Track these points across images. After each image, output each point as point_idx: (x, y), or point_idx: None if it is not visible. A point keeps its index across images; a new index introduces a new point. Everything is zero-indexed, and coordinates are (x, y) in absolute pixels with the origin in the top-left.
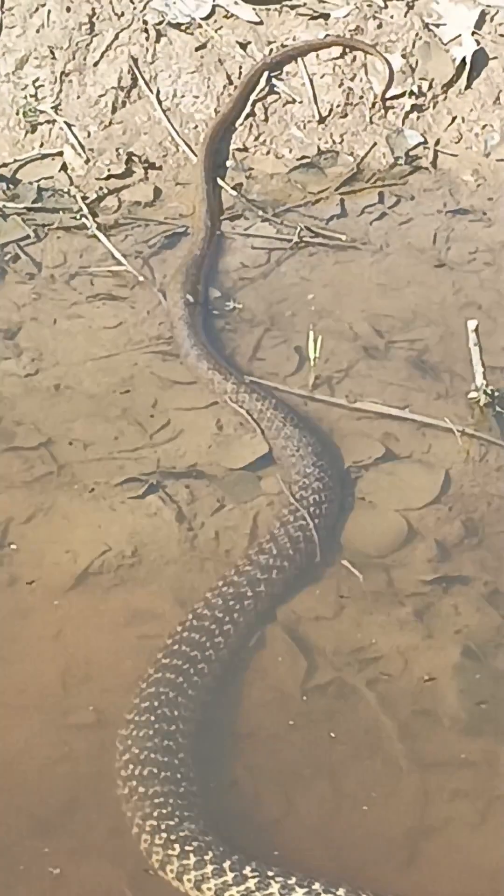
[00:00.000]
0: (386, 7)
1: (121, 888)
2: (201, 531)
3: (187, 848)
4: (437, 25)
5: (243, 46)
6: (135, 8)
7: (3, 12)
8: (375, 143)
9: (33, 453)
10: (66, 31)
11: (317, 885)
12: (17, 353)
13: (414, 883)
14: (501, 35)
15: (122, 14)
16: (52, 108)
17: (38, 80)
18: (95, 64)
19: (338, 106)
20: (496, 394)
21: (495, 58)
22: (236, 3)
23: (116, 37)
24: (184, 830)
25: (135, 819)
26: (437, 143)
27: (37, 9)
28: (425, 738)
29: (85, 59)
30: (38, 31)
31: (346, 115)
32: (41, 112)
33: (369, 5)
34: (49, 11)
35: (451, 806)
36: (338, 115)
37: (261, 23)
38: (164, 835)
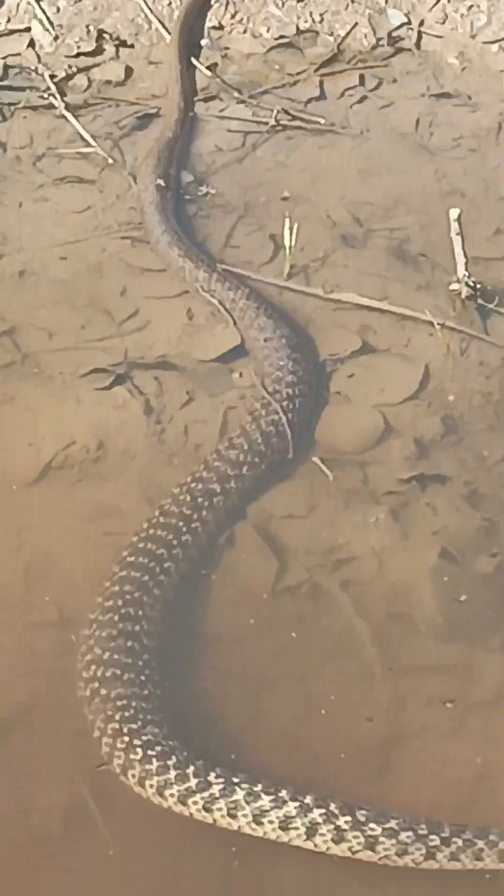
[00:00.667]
0: None
1: (82, 793)
2: (170, 425)
3: (150, 753)
4: None
5: None
6: None
7: None
8: (357, 23)
9: (4, 339)
10: None
11: (283, 793)
12: None
13: (386, 792)
14: None
15: None
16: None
17: None
18: None
19: None
20: (478, 286)
21: None
22: None
23: None
24: (147, 735)
25: (96, 722)
26: (422, 23)
27: None
28: (400, 642)
29: None
30: None
31: None
32: None
33: None
34: None
35: (425, 713)
36: None
37: None
38: (126, 739)
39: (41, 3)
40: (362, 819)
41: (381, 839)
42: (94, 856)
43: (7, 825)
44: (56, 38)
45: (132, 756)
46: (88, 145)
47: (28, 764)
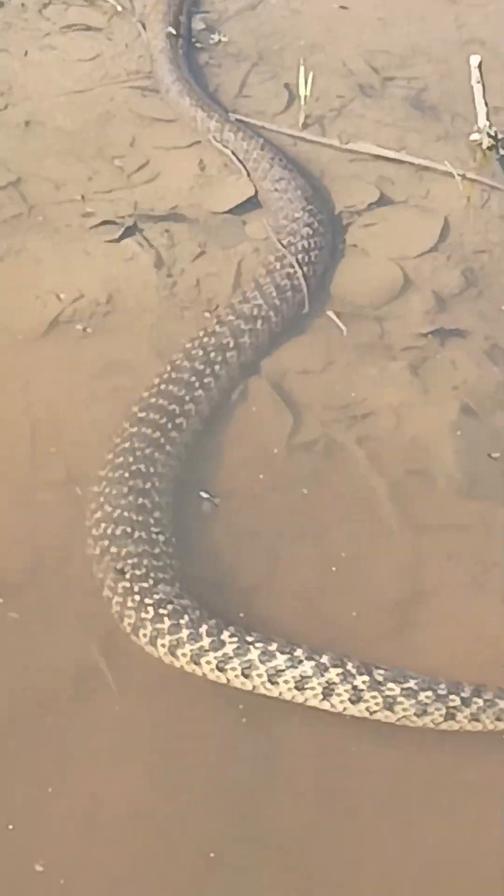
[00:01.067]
0: None
1: (92, 653)
2: (181, 278)
3: (161, 611)
4: None
5: None
6: None
7: None
8: None
9: (2, 193)
10: None
11: (299, 652)
12: None
13: (406, 651)
14: None
15: None
16: None
17: None
18: None
19: None
20: (500, 135)
21: None
22: None
23: None
24: (158, 593)
25: (107, 581)
26: None
27: None
28: (419, 499)
29: None
30: None
31: None
32: None
33: None
34: None
35: (444, 570)
36: None
37: None
38: (137, 597)
39: None
40: (380, 679)
41: (400, 699)
42: (103, 714)
43: (18, 684)
44: None
45: (143, 615)
46: None
47: (38, 623)
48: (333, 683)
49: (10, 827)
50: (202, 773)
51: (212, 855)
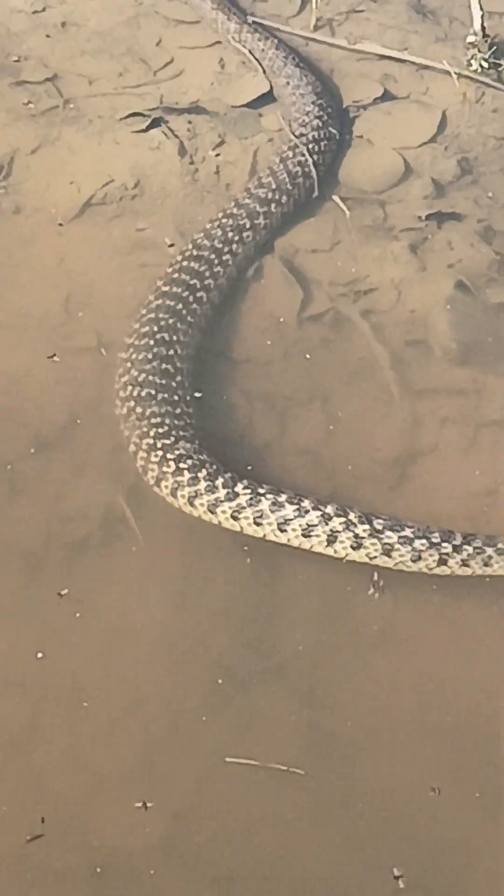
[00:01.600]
0: None
1: (118, 503)
2: (202, 165)
3: (182, 466)
4: None
5: None
6: None
7: None
8: None
9: (39, 87)
10: None
11: (306, 503)
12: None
13: (403, 503)
14: None
15: None
16: None
17: None
18: None
19: None
20: (490, 37)
21: None
22: None
23: None
24: (179, 449)
25: (132, 438)
26: None
27: None
28: (417, 366)
29: None
30: None
31: None
32: None
33: None
34: None
35: (440, 432)
36: None
37: None
38: (159, 453)
39: None
40: (379, 528)
41: (397, 546)
42: (127, 555)
43: (53, 527)
44: None
45: (165, 469)
46: None
47: (70, 475)
48: (337, 531)
49: (40, 655)
50: (214, 607)
51: (220, 681)
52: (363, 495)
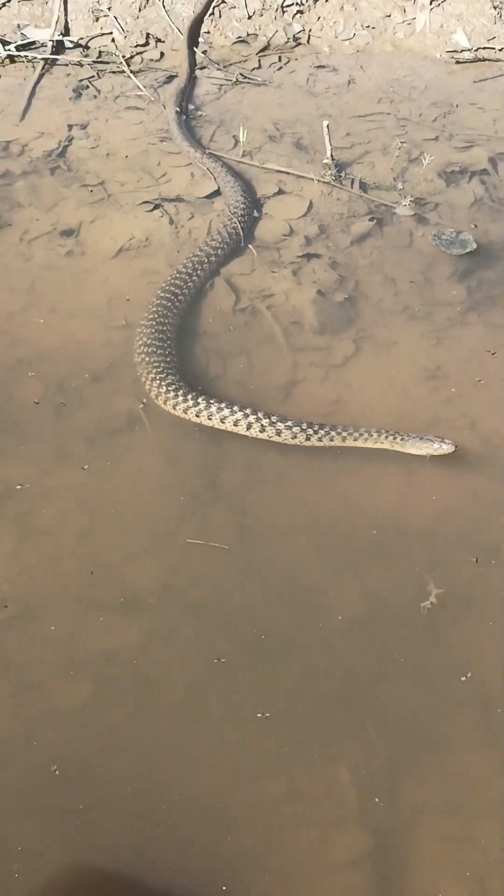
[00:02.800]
0: None
1: (137, 409)
2: (181, 229)
3: (169, 388)
4: None
5: None
6: None
7: None
8: (277, 31)
9: (96, 188)
10: None
11: (236, 407)
12: (87, 136)
13: (287, 408)
14: None
15: None
16: (107, 8)
17: None
18: None
19: (258, 11)
20: (337, 160)
21: None
22: None
23: None
24: (167, 379)
25: (143, 375)
26: (311, 31)
27: None
28: (296, 336)
29: None
30: None
31: (262, 15)
32: (101, 10)
33: None
34: None
35: (308, 370)
36: (257, 14)
37: None
38: (157, 381)
39: (118, 20)
40: (274, 420)
41: (283, 430)
42: (142, 438)
43: (97, 424)
44: (125, 37)
45: (162, 390)
46: (141, 91)
47: (108, 393)
48: (251, 422)
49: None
50: (186, 463)
51: (184, 500)
52: (267, 405)
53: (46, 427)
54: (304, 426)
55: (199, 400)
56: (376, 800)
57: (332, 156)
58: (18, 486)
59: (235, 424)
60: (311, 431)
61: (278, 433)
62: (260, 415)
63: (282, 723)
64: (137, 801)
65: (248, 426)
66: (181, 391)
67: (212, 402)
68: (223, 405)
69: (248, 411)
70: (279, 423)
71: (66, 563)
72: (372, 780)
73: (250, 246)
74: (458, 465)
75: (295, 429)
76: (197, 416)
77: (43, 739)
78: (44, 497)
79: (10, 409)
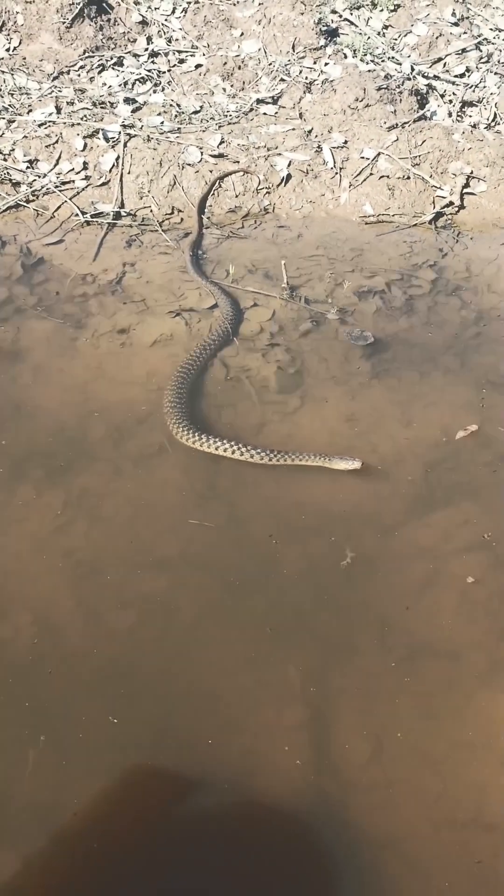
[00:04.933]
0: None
1: (165, 443)
2: (195, 328)
3: (187, 429)
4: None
5: (213, 166)
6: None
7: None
8: (254, 204)
9: (139, 303)
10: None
11: (232, 442)
12: (134, 271)
13: (260, 440)
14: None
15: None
16: (147, 191)
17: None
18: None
19: (241, 192)
20: (291, 283)
21: (302, 171)
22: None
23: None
24: (186, 426)
25: (168, 421)
26: (275, 204)
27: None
28: (264, 395)
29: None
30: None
31: (244, 194)
32: (144, 192)
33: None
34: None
35: (271, 416)
36: (241, 194)
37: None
38: (179, 426)
39: (154, 199)
40: (250, 448)
41: (255, 455)
42: (165, 460)
43: (125, 453)
44: (159, 210)
45: (180, 430)
46: (168, 242)
47: (146, 432)
48: (235, 449)
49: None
50: (193, 475)
51: (185, 494)
52: (246, 437)
53: (108, 452)
54: (268, 451)
55: (202, 436)
56: (311, 688)
57: (287, 282)
58: (89, 490)
59: (226, 451)
60: (272, 455)
61: (251, 456)
62: (240, 445)
63: (252, 638)
64: (162, 687)
65: (234, 452)
66: (191, 430)
67: (210, 437)
68: (218, 439)
69: (233, 443)
70: (252, 450)
71: (118, 539)
72: (309, 674)
73: (235, 339)
74: (365, 475)
75: (262, 453)
76: (201, 446)
77: (102, 651)
78: (105, 497)
79: (85, 441)
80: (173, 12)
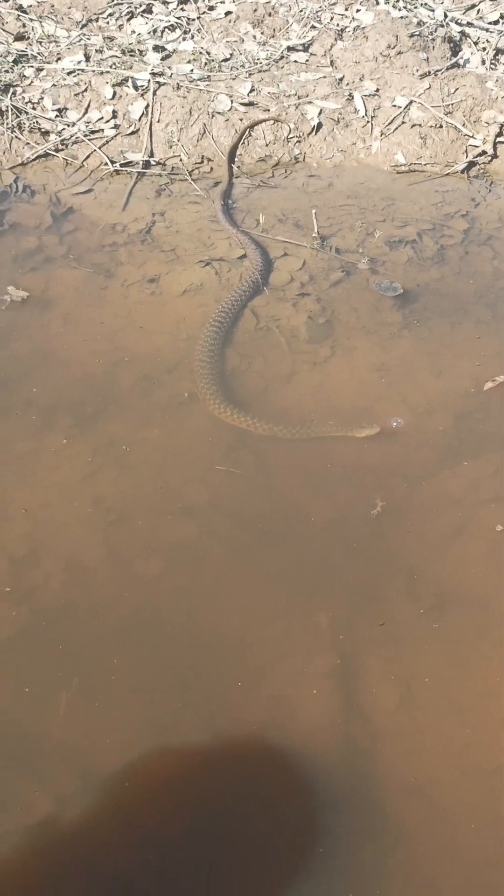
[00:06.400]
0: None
1: (193, 390)
2: (224, 277)
3: (215, 400)
4: (303, 98)
5: (243, 115)
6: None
7: None
8: (284, 153)
9: (169, 252)
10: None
11: (251, 415)
12: (164, 220)
13: (288, 391)
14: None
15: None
16: (177, 140)
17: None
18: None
19: (271, 141)
20: (322, 233)
21: (333, 120)
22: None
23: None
24: (214, 392)
25: (199, 385)
26: (305, 153)
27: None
28: (294, 344)
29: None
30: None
31: (275, 143)
32: (174, 141)
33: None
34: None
35: (301, 366)
36: (271, 143)
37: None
38: (207, 396)
39: (183, 147)
40: (269, 423)
41: (277, 429)
42: (198, 410)
43: (165, 399)
44: (189, 158)
45: (210, 400)
46: (198, 191)
47: (175, 381)
48: (258, 425)
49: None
50: (222, 429)
51: (211, 449)
52: (274, 386)
53: (137, 401)
54: (290, 426)
55: (226, 408)
56: (340, 636)
57: (318, 232)
58: (119, 438)
59: (248, 426)
60: (293, 429)
61: (275, 432)
62: (261, 420)
63: (281, 588)
64: (190, 635)
65: (256, 427)
66: (216, 400)
67: (234, 410)
68: (240, 413)
69: (255, 418)
70: (274, 426)
71: (147, 486)
72: (338, 622)
73: (265, 288)
74: (394, 428)
75: (284, 428)
76: (226, 418)
77: (131, 598)
78: (134, 445)
79: (115, 390)
80: None
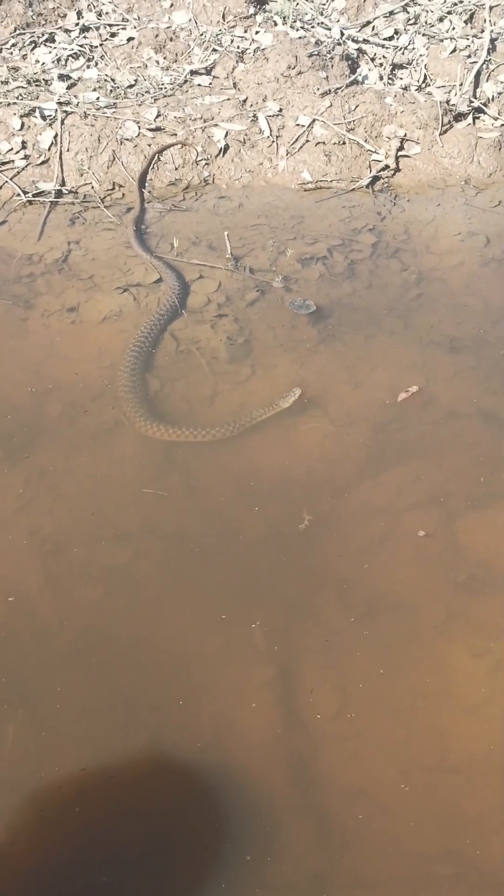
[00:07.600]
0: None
1: (120, 416)
2: (143, 302)
3: (140, 418)
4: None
5: (151, 140)
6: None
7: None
8: (193, 176)
9: (87, 280)
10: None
11: (183, 427)
12: (80, 248)
13: (212, 410)
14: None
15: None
16: (87, 167)
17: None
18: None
19: (180, 165)
20: (235, 254)
21: (239, 141)
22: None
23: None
24: (138, 411)
25: (125, 407)
26: (214, 175)
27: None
28: (215, 365)
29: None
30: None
31: (184, 167)
32: (84, 169)
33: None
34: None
35: (223, 386)
36: (181, 167)
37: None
38: (135, 416)
39: (94, 176)
40: (206, 429)
41: (213, 432)
42: (126, 435)
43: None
44: (101, 186)
45: (141, 422)
46: (111, 218)
47: (101, 408)
48: (188, 432)
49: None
50: (152, 452)
51: (140, 466)
52: (200, 408)
53: (65, 429)
54: (224, 426)
55: (159, 426)
56: (275, 647)
57: (231, 253)
58: (49, 468)
59: (187, 437)
60: (229, 427)
61: (213, 436)
62: (196, 428)
63: (216, 604)
64: (132, 656)
65: (193, 436)
66: (147, 420)
67: (166, 425)
68: (173, 427)
69: (190, 428)
70: (209, 430)
71: (81, 514)
72: (273, 634)
73: (184, 311)
74: (317, 438)
75: (220, 430)
76: (161, 432)
77: (71, 620)
78: (65, 474)
79: (42, 419)
80: None
